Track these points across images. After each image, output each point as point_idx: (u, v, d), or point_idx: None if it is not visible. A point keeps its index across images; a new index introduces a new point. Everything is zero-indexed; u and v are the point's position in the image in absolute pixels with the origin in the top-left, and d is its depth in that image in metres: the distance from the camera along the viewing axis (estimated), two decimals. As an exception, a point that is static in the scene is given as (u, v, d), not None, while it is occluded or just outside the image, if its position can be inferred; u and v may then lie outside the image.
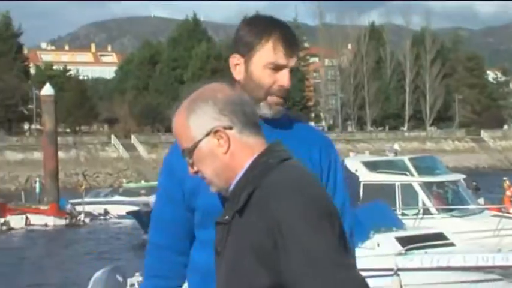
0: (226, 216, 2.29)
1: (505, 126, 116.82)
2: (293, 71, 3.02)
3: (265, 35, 2.99)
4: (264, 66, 2.97)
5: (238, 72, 3.00)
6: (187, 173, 2.78)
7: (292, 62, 3.04)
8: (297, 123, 3.17)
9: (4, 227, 34.24)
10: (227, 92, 2.36)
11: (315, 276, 2.11)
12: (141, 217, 30.16)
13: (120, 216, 39.18)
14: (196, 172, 2.39)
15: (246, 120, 2.33)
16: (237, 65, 3.00)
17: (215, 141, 2.29)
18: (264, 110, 2.97)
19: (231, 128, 2.29)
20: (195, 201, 3.02)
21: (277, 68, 2.97)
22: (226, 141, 2.29)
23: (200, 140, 2.31)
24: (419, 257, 12.65)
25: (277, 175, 2.24)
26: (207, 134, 2.30)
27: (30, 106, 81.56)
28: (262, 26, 3.04)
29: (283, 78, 2.99)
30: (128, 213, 34.97)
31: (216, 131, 2.29)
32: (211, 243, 2.70)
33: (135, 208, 39.48)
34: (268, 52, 2.95)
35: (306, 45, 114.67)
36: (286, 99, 3.05)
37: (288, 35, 3.05)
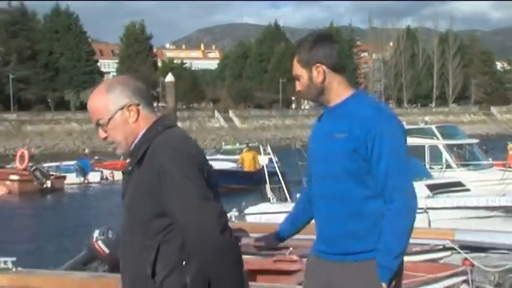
0: (129, 168, 2.50)
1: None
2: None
3: None
4: None
5: (323, 77, 3.08)
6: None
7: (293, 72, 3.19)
8: (356, 104, 3.06)
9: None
10: (134, 81, 2.59)
11: (183, 203, 2.29)
12: None
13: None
14: (106, 138, 2.54)
15: (146, 101, 2.55)
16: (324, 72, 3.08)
17: (127, 113, 2.49)
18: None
19: (138, 105, 2.50)
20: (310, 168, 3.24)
21: None
22: (135, 113, 2.50)
23: (116, 112, 2.49)
24: (443, 199, 12.58)
25: (163, 137, 2.43)
26: (121, 108, 2.48)
27: (157, 90, 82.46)
28: None
29: None
30: None
31: (129, 105, 2.49)
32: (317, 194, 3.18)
33: (233, 164, 39.64)
34: None
35: (358, 43, 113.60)
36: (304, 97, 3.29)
37: None
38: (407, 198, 2.99)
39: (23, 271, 7.09)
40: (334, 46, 3.14)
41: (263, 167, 27.16)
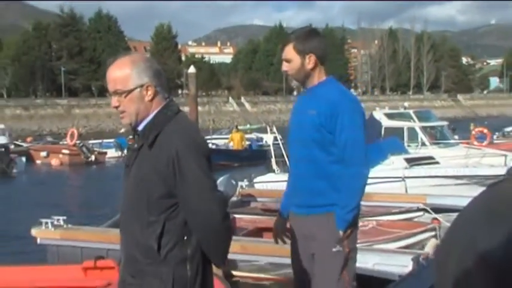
0: (136, 145, 2.33)
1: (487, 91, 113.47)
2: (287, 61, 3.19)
3: None
4: None
5: (313, 65, 3.17)
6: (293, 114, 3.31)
7: (283, 55, 3.20)
8: (327, 88, 3.17)
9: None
10: (156, 65, 2.37)
11: (196, 191, 2.19)
12: None
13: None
14: (117, 106, 2.32)
15: (162, 85, 2.34)
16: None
17: (144, 91, 2.28)
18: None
19: (155, 87, 2.30)
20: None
21: None
22: (152, 93, 2.29)
23: (135, 88, 2.29)
24: (418, 170, 12.57)
25: (175, 125, 2.26)
26: (141, 86, 2.28)
27: (182, 79, 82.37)
28: None
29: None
30: None
31: (148, 85, 2.29)
32: (292, 157, 3.27)
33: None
34: None
35: (349, 41, 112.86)
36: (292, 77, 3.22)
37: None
38: (361, 165, 3.11)
39: (72, 227, 7.17)
40: (323, 40, 3.27)
41: (250, 145, 27.14)
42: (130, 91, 2.28)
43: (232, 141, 26.91)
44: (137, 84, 2.29)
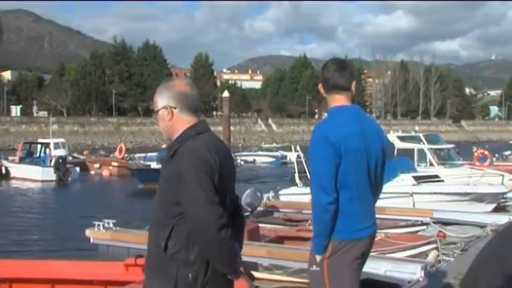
0: (166, 158, 2.36)
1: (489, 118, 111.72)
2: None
3: None
4: None
5: None
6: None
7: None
8: None
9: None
10: (179, 88, 2.35)
11: (194, 204, 2.16)
12: None
13: (262, 162, 39.06)
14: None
15: (183, 106, 2.32)
16: None
17: (165, 112, 2.33)
18: None
19: (175, 108, 2.33)
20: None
21: None
22: (170, 114, 2.33)
23: (159, 109, 2.36)
24: (425, 187, 12.43)
25: (191, 143, 2.26)
26: (163, 107, 2.34)
27: (216, 102, 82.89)
28: None
29: None
30: None
31: (166, 107, 2.33)
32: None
33: (271, 159, 39.40)
34: None
35: (365, 71, 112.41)
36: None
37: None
38: None
39: (120, 230, 7.24)
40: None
41: None
42: (157, 111, 2.39)
43: None
44: (160, 107, 2.37)
